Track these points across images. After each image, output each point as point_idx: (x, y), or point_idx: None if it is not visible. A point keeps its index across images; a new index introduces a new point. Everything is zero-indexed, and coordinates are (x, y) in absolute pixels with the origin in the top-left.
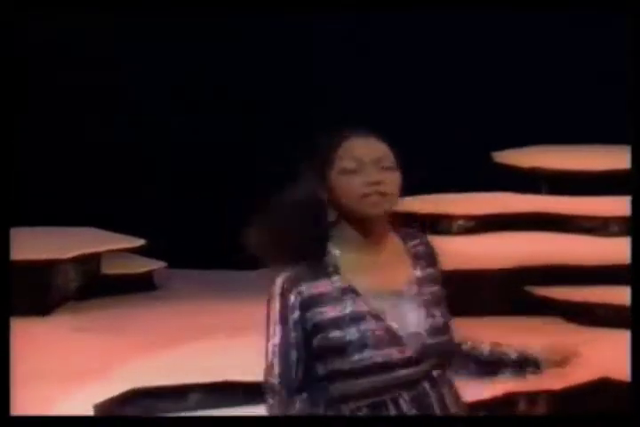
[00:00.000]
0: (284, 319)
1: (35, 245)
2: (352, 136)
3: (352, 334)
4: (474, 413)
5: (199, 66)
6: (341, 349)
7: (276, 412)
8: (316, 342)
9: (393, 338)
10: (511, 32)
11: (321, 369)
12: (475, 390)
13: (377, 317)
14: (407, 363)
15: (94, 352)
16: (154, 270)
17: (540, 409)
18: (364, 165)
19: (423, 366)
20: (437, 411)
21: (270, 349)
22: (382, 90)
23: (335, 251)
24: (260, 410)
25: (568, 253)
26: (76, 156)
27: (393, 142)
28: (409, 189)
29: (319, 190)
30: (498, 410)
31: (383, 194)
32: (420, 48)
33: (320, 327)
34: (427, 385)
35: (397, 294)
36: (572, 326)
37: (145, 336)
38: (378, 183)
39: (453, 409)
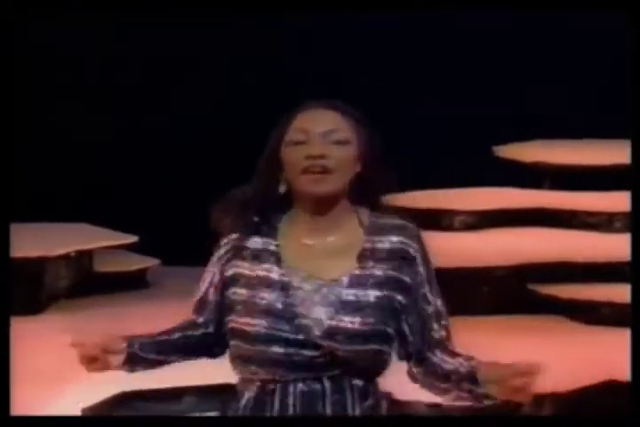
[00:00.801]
0: (213, 259)
1: (24, 241)
2: (308, 108)
3: (253, 297)
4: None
5: (198, 67)
6: (240, 308)
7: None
8: (227, 293)
9: (290, 318)
10: (514, 28)
11: (227, 323)
12: None
13: (285, 289)
14: (300, 346)
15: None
16: (147, 268)
17: (546, 412)
18: (312, 137)
19: (319, 359)
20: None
21: (200, 284)
22: (383, 84)
23: (287, 219)
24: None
25: (572, 249)
26: (69, 152)
27: (392, 135)
28: (410, 183)
29: (272, 163)
30: (502, 412)
31: (326, 170)
32: (421, 42)
33: (234, 281)
34: (327, 385)
35: (319, 283)
36: (577, 325)
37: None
38: (321, 157)
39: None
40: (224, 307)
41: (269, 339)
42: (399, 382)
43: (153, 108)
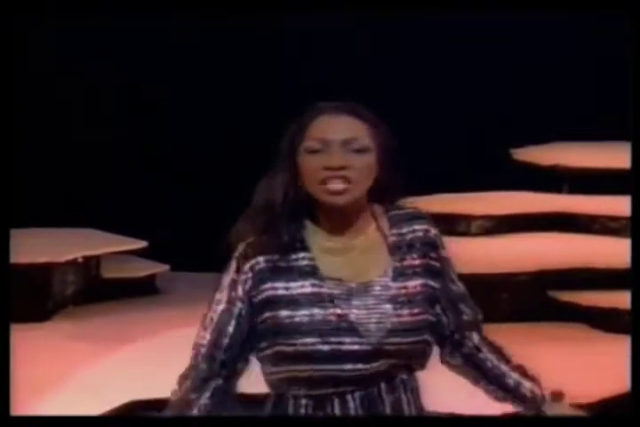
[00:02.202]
0: (233, 288)
1: (32, 247)
2: (323, 113)
3: (301, 316)
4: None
5: (197, 69)
6: (288, 330)
7: (178, 385)
8: (262, 318)
9: (346, 328)
10: (528, 30)
11: (264, 351)
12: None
13: (332, 302)
14: (360, 358)
15: (94, 360)
16: (156, 274)
17: None
18: (330, 146)
19: (380, 365)
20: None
21: (209, 315)
22: (399, 88)
23: (309, 227)
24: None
25: (593, 255)
26: (77, 156)
27: (407, 139)
28: (425, 188)
29: (288, 171)
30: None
31: (347, 180)
32: (435, 45)
33: (269, 304)
34: (383, 387)
35: (365, 285)
36: (599, 334)
37: (147, 342)
38: (342, 168)
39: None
40: (251, 336)
41: (332, 355)
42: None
43: (161, 111)
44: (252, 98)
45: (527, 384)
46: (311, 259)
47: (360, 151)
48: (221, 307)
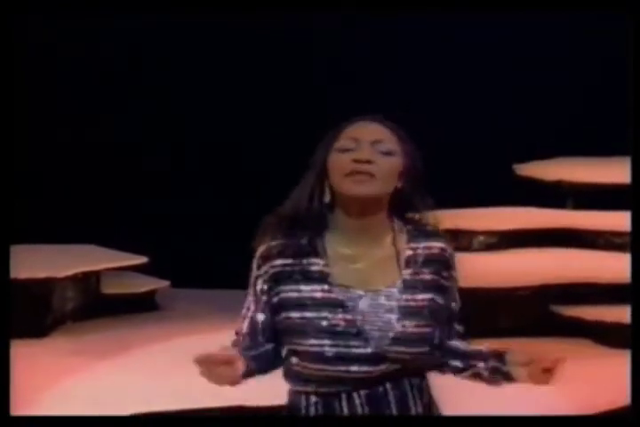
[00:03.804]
0: (255, 284)
1: (32, 262)
2: (359, 120)
3: (311, 318)
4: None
5: (199, 74)
6: (299, 330)
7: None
8: (279, 318)
9: (353, 333)
10: (528, 30)
11: (283, 346)
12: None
13: (343, 307)
14: (365, 361)
15: (93, 376)
16: (156, 290)
17: None
18: (361, 144)
19: (386, 368)
20: (394, 413)
21: (243, 311)
22: (400, 103)
23: (329, 234)
24: None
25: (597, 270)
26: (76, 171)
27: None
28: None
29: (318, 172)
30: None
31: (370, 175)
32: (432, 58)
33: (284, 304)
34: (388, 386)
35: (373, 293)
36: (603, 349)
37: (147, 358)
38: (368, 162)
39: (415, 412)
40: (276, 330)
41: (339, 357)
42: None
43: (160, 122)
44: (254, 108)
45: (483, 349)
46: (325, 265)
47: (387, 154)
48: (250, 300)
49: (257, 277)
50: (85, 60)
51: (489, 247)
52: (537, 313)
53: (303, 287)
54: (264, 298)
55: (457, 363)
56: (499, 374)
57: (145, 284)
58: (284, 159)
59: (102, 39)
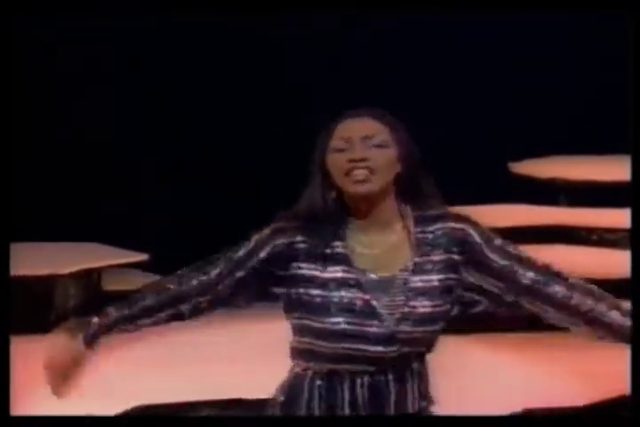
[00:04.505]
0: (260, 247)
1: (34, 260)
2: (347, 117)
3: (331, 296)
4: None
5: (199, 75)
6: (318, 307)
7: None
8: (295, 292)
9: (369, 313)
10: (528, 42)
11: (293, 320)
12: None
13: (361, 287)
14: (379, 341)
15: (95, 369)
16: None
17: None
18: (352, 143)
19: (396, 350)
20: (392, 402)
21: (220, 256)
22: (396, 99)
23: (350, 221)
24: None
25: (590, 266)
26: (77, 172)
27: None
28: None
29: (320, 172)
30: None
31: (370, 170)
32: (428, 58)
33: (302, 281)
34: (390, 374)
35: (388, 278)
36: (597, 343)
37: (148, 353)
38: (363, 160)
39: (412, 403)
40: (249, 284)
41: (354, 335)
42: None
43: (160, 120)
44: (254, 108)
45: (603, 305)
46: (345, 247)
47: (380, 146)
48: (238, 255)
49: (263, 243)
50: (85, 60)
51: None
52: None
53: (326, 267)
54: (265, 264)
55: (562, 315)
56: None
57: (145, 281)
58: (284, 158)
59: (102, 39)
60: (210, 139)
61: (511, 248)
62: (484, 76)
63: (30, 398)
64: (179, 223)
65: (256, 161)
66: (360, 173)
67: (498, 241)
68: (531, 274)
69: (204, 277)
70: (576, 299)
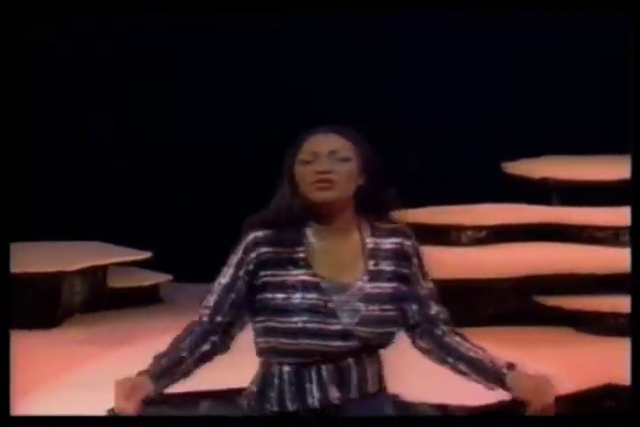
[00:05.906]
0: (238, 267)
1: (41, 258)
2: (316, 133)
3: (296, 298)
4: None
5: (198, 75)
6: (283, 310)
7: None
8: (261, 298)
9: (329, 313)
10: (522, 42)
11: (257, 324)
12: (480, 395)
13: (321, 290)
14: (338, 337)
15: (100, 365)
16: (160, 283)
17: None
18: (319, 156)
19: (354, 345)
20: (355, 385)
21: (215, 286)
22: (391, 100)
23: (311, 229)
24: None
25: (579, 263)
26: (81, 169)
27: (400, 151)
28: (419, 199)
29: (288, 180)
30: (503, 414)
31: (331, 182)
32: (427, 58)
33: (269, 287)
34: (351, 361)
35: (344, 285)
36: (584, 337)
37: (152, 348)
38: (327, 172)
39: (371, 385)
40: (250, 309)
41: (315, 333)
42: (407, 385)
43: (161, 120)
44: (255, 108)
45: (487, 357)
46: (306, 252)
47: (343, 160)
48: (225, 280)
49: (243, 261)
50: (85, 61)
51: (477, 242)
52: (522, 304)
53: (290, 272)
54: (246, 278)
55: (460, 367)
56: (496, 385)
57: (149, 278)
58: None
59: (102, 39)
60: (210, 138)
61: (430, 284)
62: (483, 76)
63: (30, 398)
64: (180, 223)
65: (256, 161)
66: (324, 182)
67: (427, 268)
68: (437, 308)
69: (207, 320)
70: (467, 346)
